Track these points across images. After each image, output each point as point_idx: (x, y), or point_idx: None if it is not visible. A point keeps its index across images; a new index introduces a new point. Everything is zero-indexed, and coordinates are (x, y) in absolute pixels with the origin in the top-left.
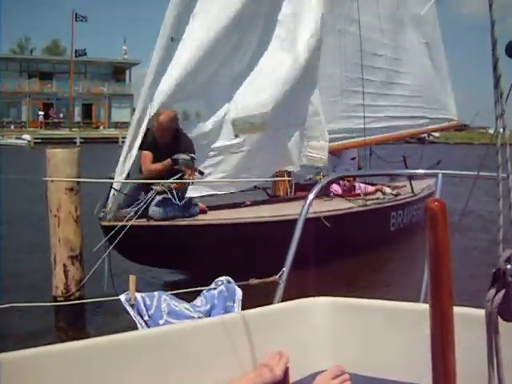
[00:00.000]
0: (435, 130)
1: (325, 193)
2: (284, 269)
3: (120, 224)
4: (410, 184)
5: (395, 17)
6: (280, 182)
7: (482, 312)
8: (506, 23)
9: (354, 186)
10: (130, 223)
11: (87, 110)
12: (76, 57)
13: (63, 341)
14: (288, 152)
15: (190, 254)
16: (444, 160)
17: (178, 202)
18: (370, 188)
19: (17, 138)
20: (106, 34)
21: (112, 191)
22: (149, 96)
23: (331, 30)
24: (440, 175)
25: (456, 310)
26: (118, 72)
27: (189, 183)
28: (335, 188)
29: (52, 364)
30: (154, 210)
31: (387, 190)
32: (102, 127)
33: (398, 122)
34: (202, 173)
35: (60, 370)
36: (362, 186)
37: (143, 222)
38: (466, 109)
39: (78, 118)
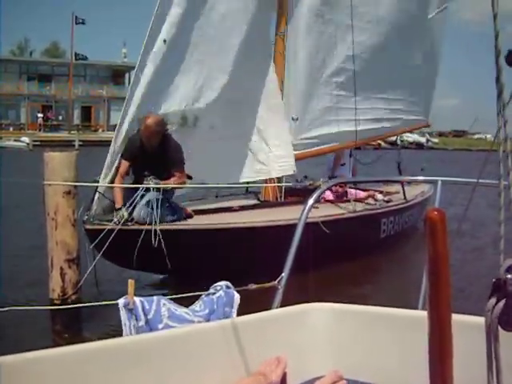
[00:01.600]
0: (404, 132)
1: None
2: (283, 274)
3: (107, 228)
4: (403, 190)
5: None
6: (269, 187)
7: (479, 319)
8: (505, 31)
9: (346, 192)
10: (107, 227)
11: (86, 113)
12: (76, 60)
13: (60, 344)
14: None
15: (175, 258)
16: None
17: (163, 205)
18: (362, 194)
19: (15, 141)
20: (105, 37)
21: (96, 195)
22: (134, 101)
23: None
24: (439, 182)
25: (454, 317)
26: (117, 75)
27: (175, 188)
28: (327, 193)
29: (50, 367)
30: (138, 213)
31: (379, 196)
32: (100, 130)
33: (375, 125)
34: (190, 177)
35: (58, 374)
36: (354, 191)
37: (127, 225)
38: (464, 114)
39: (77, 121)
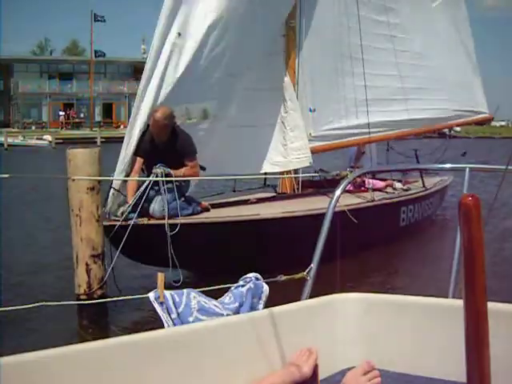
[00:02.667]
0: (461, 124)
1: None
2: (312, 265)
3: (118, 223)
4: (422, 179)
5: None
6: (286, 180)
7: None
8: None
9: (364, 182)
10: (115, 223)
11: (107, 110)
12: (95, 57)
13: (86, 339)
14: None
15: (194, 252)
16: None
17: (178, 199)
18: (380, 183)
19: (38, 139)
20: (124, 34)
21: (111, 191)
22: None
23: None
24: (467, 169)
25: (489, 305)
26: (137, 71)
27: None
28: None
29: (79, 362)
30: (154, 207)
31: (398, 185)
32: (122, 126)
33: (419, 115)
34: (203, 168)
35: (87, 368)
36: (372, 181)
37: (144, 220)
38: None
39: (98, 118)
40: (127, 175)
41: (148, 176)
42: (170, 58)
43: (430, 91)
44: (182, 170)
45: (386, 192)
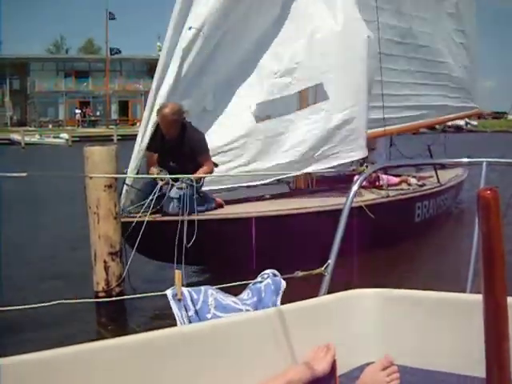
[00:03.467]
0: (455, 119)
1: (347, 186)
2: (329, 261)
3: (135, 220)
4: (436, 174)
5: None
6: (300, 175)
7: None
8: None
9: (379, 177)
10: (134, 218)
11: (123, 108)
12: (111, 54)
13: (105, 337)
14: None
15: (211, 249)
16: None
17: (194, 195)
18: (395, 179)
19: (55, 137)
20: (139, 31)
21: (125, 187)
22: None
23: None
24: (485, 163)
25: (509, 299)
26: (153, 69)
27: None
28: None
29: (94, 360)
30: (167, 205)
31: (412, 180)
32: (138, 124)
33: (422, 111)
34: (215, 165)
35: (102, 367)
36: (385, 177)
37: (158, 217)
38: (502, 96)
39: (114, 116)
40: (138, 171)
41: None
42: (184, 53)
43: (432, 87)
44: (199, 173)
45: (402, 188)
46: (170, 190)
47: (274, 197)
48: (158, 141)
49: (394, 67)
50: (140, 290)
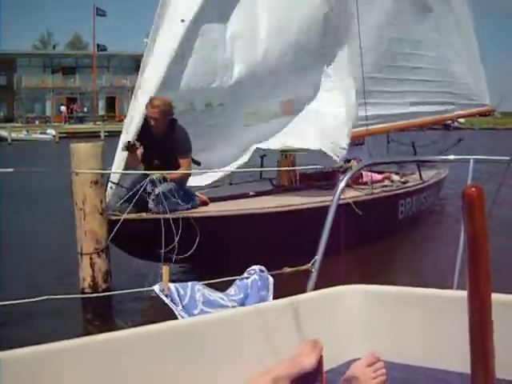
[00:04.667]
0: (464, 116)
1: (331, 183)
2: (316, 257)
3: (121, 218)
4: (419, 171)
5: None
6: (284, 172)
7: None
8: None
9: (362, 174)
10: (118, 217)
11: (111, 104)
12: (98, 51)
13: (92, 332)
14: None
15: (192, 246)
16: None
17: (177, 194)
18: (378, 176)
19: (41, 133)
20: (127, 28)
21: (109, 185)
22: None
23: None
24: (472, 161)
25: (493, 296)
26: (140, 65)
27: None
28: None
29: (84, 356)
30: (153, 203)
31: (395, 177)
32: (125, 120)
33: (420, 108)
34: (198, 163)
35: (92, 362)
36: (369, 174)
37: (143, 215)
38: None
39: (101, 112)
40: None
41: (145, 169)
42: (172, 47)
43: (433, 83)
44: (178, 173)
45: (385, 185)
46: (154, 188)
47: (258, 194)
48: (144, 134)
49: (392, 63)
50: (126, 286)
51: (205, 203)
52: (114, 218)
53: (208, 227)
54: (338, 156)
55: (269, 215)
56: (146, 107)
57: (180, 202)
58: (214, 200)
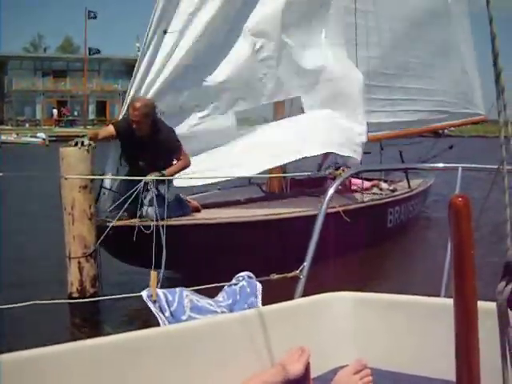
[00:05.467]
0: (457, 126)
1: (321, 190)
2: (305, 264)
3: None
4: (407, 179)
5: (419, 7)
6: (274, 178)
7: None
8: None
9: (350, 182)
10: (111, 223)
11: (101, 108)
12: (89, 54)
13: (79, 338)
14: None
15: (185, 253)
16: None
17: (167, 200)
18: (367, 183)
19: (32, 136)
20: (118, 32)
21: (102, 190)
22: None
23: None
24: (460, 169)
25: (479, 304)
26: (131, 69)
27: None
28: (328, 183)
29: (71, 361)
30: (146, 209)
31: (384, 185)
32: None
33: (415, 116)
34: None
35: (74, 369)
36: (358, 181)
37: (135, 222)
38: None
39: (92, 116)
40: (117, 173)
41: (131, 172)
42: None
43: (427, 91)
44: (174, 168)
45: (374, 193)
46: (144, 192)
47: (250, 201)
48: (125, 127)
49: (388, 71)
50: (114, 291)
51: (197, 210)
52: (105, 223)
53: (204, 234)
54: (355, 151)
55: (268, 223)
56: (128, 109)
57: (173, 208)
58: (205, 206)
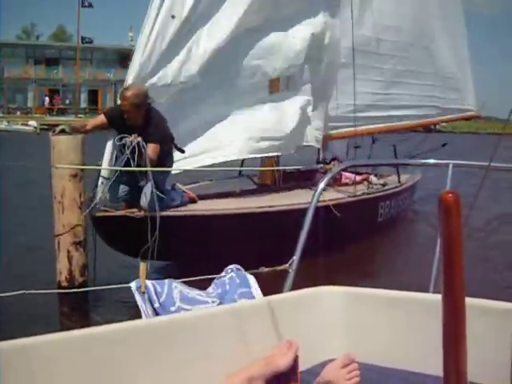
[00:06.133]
0: (449, 121)
1: (312, 183)
2: (294, 257)
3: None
4: (398, 174)
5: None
6: (267, 171)
7: (490, 303)
8: None
9: (341, 175)
10: (108, 213)
11: (93, 97)
12: (82, 43)
13: (68, 327)
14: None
15: (185, 244)
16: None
17: (159, 190)
18: (357, 177)
19: (23, 125)
20: (112, 21)
21: (100, 179)
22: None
23: None
24: (451, 165)
25: (466, 300)
26: (124, 58)
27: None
28: (319, 177)
29: (58, 351)
30: (144, 200)
31: (374, 179)
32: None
33: (407, 111)
34: (182, 151)
35: (65, 358)
36: (348, 175)
37: (135, 212)
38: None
39: (84, 105)
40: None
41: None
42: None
43: (418, 86)
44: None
45: (367, 186)
46: (140, 182)
47: (244, 193)
48: (116, 114)
49: (383, 66)
50: (105, 281)
51: (193, 200)
52: (102, 214)
53: (203, 225)
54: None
55: (268, 214)
56: (120, 98)
57: (171, 198)
58: (200, 198)
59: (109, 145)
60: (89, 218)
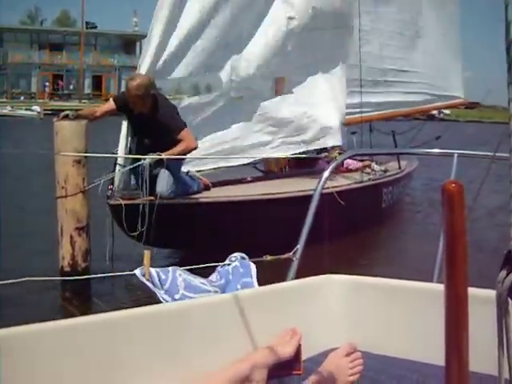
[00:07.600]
0: (440, 108)
1: (316, 170)
2: (298, 246)
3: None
4: (398, 160)
5: None
6: (273, 159)
7: (490, 292)
8: None
9: (343, 162)
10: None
11: (97, 82)
12: (86, 29)
13: (71, 313)
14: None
15: (211, 232)
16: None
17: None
18: (359, 164)
19: (27, 110)
20: (116, 6)
21: (117, 167)
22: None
23: None
24: (456, 155)
25: (470, 290)
26: (128, 44)
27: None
28: (321, 164)
29: (61, 338)
30: (161, 187)
31: (376, 166)
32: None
33: (397, 97)
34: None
35: (70, 345)
36: (351, 161)
37: (153, 199)
38: (476, 86)
39: (87, 90)
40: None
41: (136, 149)
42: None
43: (410, 74)
44: (171, 152)
45: (368, 173)
46: (153, 170)
47: (255, 180)
48: (125, 101)
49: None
50: (110, 268)
51: (207, 187)
52: (116, 202)
53: (218, 213)
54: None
55: (291, 200)
56: (126, 87)
57: (188, 185)
58: (214, 185)
59: (123, 133)
60: (107, 206)
